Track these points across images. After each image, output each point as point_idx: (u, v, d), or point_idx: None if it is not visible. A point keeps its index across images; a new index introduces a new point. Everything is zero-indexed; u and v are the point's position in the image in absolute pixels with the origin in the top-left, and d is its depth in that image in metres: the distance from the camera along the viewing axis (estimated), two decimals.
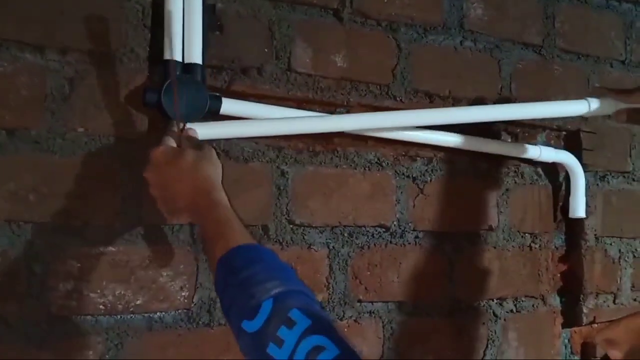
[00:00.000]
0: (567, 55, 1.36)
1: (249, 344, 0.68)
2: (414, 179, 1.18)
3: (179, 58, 0.98)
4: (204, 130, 0.97)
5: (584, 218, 1.32)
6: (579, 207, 1.30)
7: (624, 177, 1.41)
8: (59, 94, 0.92)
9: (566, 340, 1.34)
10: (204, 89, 0.98)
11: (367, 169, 1.13)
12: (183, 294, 0.98)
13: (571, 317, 1.34)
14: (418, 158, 1.18)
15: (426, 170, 1.19)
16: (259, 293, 0.67)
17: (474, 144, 1.19)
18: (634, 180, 1.42)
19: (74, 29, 0.93)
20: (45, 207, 0.90)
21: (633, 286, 1.40)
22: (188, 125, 0.94)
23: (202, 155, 0.85)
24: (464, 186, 1.22)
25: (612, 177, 1.39)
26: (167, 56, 0.97)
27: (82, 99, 0.93)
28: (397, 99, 1.16)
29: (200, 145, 0.89)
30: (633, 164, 1.42)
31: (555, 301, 1.33)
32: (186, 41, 0.99)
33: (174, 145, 0.87)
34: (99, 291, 0.93)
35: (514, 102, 1.28)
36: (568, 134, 1.34)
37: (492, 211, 1.25)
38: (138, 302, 0.95)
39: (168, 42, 0.97)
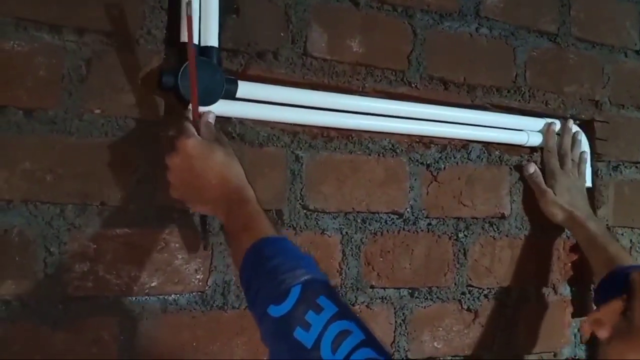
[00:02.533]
0: (581, 44, 1.35)
1: (273, 329, 0.69)
2: (428, 165, 1.17)
3: (195, 41, 0.98)
4: (222, 107, 0.98)
5: (597, 207, 1.33)
6: (586, 177, 1.32)
7: (636, 167, 1.40)
8: (76, 75, 0.91)
9: (576, 330, 1.34)
10: (221, 72, 0.98)
11: (381, 155, 1.13)
12: (198, 276, 0.98)
13: (581, 306, 1.33)
14: (432, 145, 1.18)
15: (440, 157, 1.19)
16: (288, 279, 0.70)
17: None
18: None
19: (91, 10, 0.92)
20: (62, 187, 0.90)
21: None
22: (205, 108, 0.94)
23: (230, 152, 0.88)
24: (478, 173, 1.22)
25: (625, 167, 1.39)
26: (183, 38, 0.97)
27: (99, 80, 0.93)
28: (413, 85, 1.16)
29: (216, 134, 0.91)
30: None
31: (565, 290, 1.33)
32: (202, 24, 0.99)
33: (194, 132, 0.87)
34: (114, 272, 0.93)
35: (528, 91, 1.27)
36: (581, 124, 1.34)
37: (505, 199, 1.25)
38: (153, 284, 0.95)
39: (185, 25, 0.97)
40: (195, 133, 0.88)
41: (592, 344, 1.33)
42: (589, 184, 1.31)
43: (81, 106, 0.92)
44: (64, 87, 0.91)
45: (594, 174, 1.33)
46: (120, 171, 0.94)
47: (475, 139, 1.21)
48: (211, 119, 0.93)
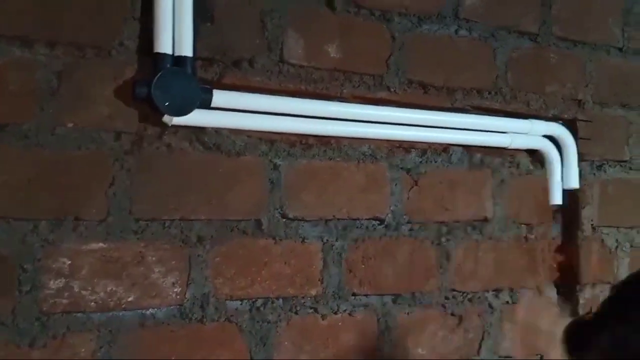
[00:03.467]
0: (563, 42, 1.34)
1: None
2: (409, 170, 1.17)
3: (169, 50, 0.97)
4: (197, 116, 0.97)
5: (581, 208, 1.32)
6: (571, 178, 1.31)
7: (621, 166, 1.40)
8: (48, 88, 0.90)
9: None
10: (195, 82, 0.97)
11: (361, 161, 1.12)
12: (175, 289, 0.97)
13: (568, 308, 1.33)
14: (412, 149, 1.17)
15: (421, 161, 1.18)
16: None
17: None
18: (631, 169, 1.41)
19: (62, 22, 0.91)
20: (36, 203, 0.89)
21: None
22: (181, 119, 0.93)
23: None
24: (459, 177, 1.21)
25: (609, 166, 1.38)
26: (157, 49, 0.96)
27: (71, 93, 0.92)
28: (391, 89, 1.15)
29: None
30: (630, 152, 1.41)
31: (552, 292, 1.32)
32: (176, 33, 0.98)
33: None
34: (90, 288, 0.92)
35: (509, 92, 1.26)
36: (564, 123, 1.33)
37: (487, 202, 1.24)
38: (130, 298, 0.94)
39: (157, 35, 0.96)
40: None
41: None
42: (575, 185, 1.30)
43: (54, 120, 0.91)
44: (35, 101, 0.90)
45: (579, 174, 1.32)
46: (95, 185, 0.93)
47: (456, 142, 1.21)
48: None
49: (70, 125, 0.91)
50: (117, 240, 0.94)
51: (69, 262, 0.91)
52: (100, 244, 0.93)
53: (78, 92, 0.92)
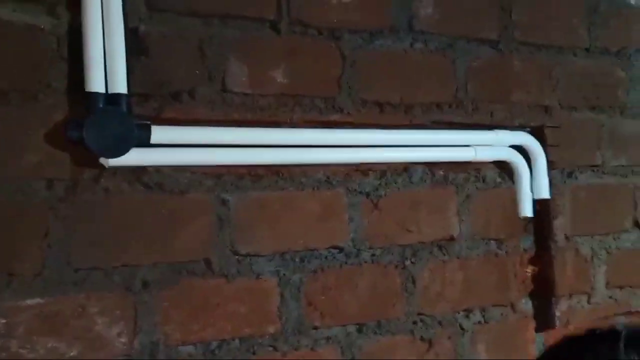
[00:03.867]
0: (526, 47, 1.29)
1: None
2: (367, 194, 1.12)
3: (101, 89, 0.92)
4: (135, 156, 0.92)
5: (553, 218, 1.28)
6: (541, 188, 1.27)
7: (593, 171, 1.35)
8: None
9: (541, 345, 1.29)
10: (130, 120, 0.93)
11: (315, 188, 1.08)
12: (122, 340, 0.93)
13: (544, 320, 1.29)
14: (370, 172, 1.13)
15: (380, 184, 1.13)
16: None
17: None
18: (604, 173, 1.37)
19: None
20: None
21: (608, 283, 1.35)
22: (117, 160, 0.89)
23: None
24: (422, 196, 1.17)
25: (581, 172, 1.34)
26: (88, 88, 0.91)
27: None
28: (345, 111, 1.10)
29: None
30: (603, 156, 1.36)
31: (527, 306, 1.28)
32: (109, 70, 0.93)
33: None
34: (29, 346, 0.87)
35: (471, 103, 1.21)
36: (531, 131, 1.28)
37: (453, 220, 1.19)
38: (73, 353, 0.90)
39: (88, 73, 0.91)
40: None
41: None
42: (545, 195, 1.26)
43: None
44: None
45: (549, 183, 1.27)
46: (28, 237, 0.88)
47: (416, 160, 1.16)
48: None
49: None
50: (55, 293, 0.89)
51: (4, 320, 0.86)
52: (37, 299, 0.88)
53: (4, 141, 0.87)
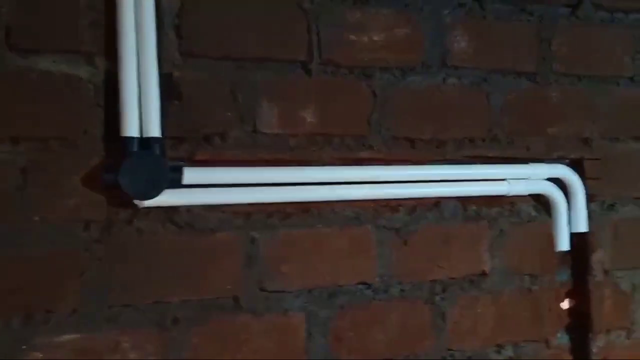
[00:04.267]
0: (566, 79, 1.27)
1: None
2: (397, 230, 1.13)
3: (136, 133, 0.96)
4: (167, 197, 0.96)
5: (591, 252, 1.27)
6: (579, 221, 1.25)
7: (635, 204, 1.32)
8: (12, 185, 0.91)
9: None
10: (163, 163, 0.96)
11: (344, 225, 1.09)
12: None
13: (581, 355, 1.27)
14: (400, 207, 1.14)
15: (410, 220, 1.14)
16: None
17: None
18: None
19: (24, 118, 0.92)
20: (4, 301, 0.90)
21: None
22: (150, 201, 0.93)
23: None
24: (453, 232, 1.17)
25: (622, 205, 1.31)
26: (123, 133, 0.96)
27: (36, 187, 0.92)
28: (375, 148, 1.11)
29: None
30: None
31: (562, 340, 1.26)
32: (143, 115, 0.97)
33: None
34: None
35: (506, 137, 1.20)
36: (570, 164, 1.26)
37: (484, 255, 1.19)
38: None
39: (123, 119, 0.96)
40: None
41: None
42: (583, 229, 1.24)
43: (20, 216, 0.91)
44: (1, 201, 0.90)
45: (588, 216, 1.25)
46: (65, 277, 0.93)
47: (448, 195, 1.16)
48: None
49: (36, 219, 0.92)
50: (90, 329, 0.94)
51: (42, 355, 0.91)
52: (73, 335, 0.93)
53: (44, 186, 0.92)
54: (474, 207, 1.19)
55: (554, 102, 1.25)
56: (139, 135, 0.96)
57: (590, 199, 1.26)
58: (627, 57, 1.33)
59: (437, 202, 1.16)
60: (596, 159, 1.28)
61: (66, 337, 0.93)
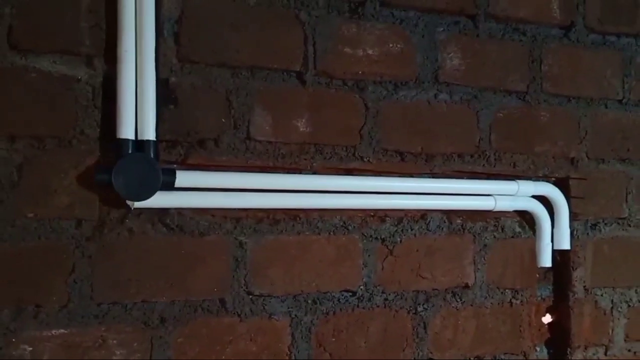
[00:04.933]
0: (555, 99, 1.30)
1: None
2: (383, 240, 1.15)
3: (131, 135, 0.98)
4: (159, 199, 0.98)
5: (573, 269, 1.29)
6: (562, 238, 1.28)
7: (618, 223, 1.35)
8: (8, 182, 0.93)
9: None
10: (156, 166, 0.98)
11: (331, 233, 1.12)
12: None
13: None
14: (387, 218, 1.16)
15: (396, 230, 1.16)
16: None
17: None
18: (629, 226, 1.36)
19: (21, 116, 0.94)
20: None
21: (627, 337, 1.34)
22: (142, 203, 0.96)
23: None
24: (438, 244, 1.19)
25: (605, 224, 1.33)
26: (119, 135, 0.98)
27: (31, 184, 0.94)
28: (365, 159, 1.14)
29: None
30: (629, 209, 1.36)
31: (541, 354, 1.29)
32: (139, 118, 0.99)
33: None
34: None
35: (493, 154, 1.23)
36: (556, 182, 1.29)
37: (468, 268, 1.22)
38: None
39: (119, 121, 0.98)
40: None
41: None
42: (566, 246, 1.27)
43: (14, 212, 0.93)
44: None
45: (571, 234, 1.28)
46: (55, 273, 0.95)
47: (434, 208, 1.19)
48: None
49: (30, 215, 0.94)
50: (78, 325, 0.96)
51: (30, 348, 0.94)
52: (61, 330, 0.96)
53: (38, 183, 0.94)
54: (459, 221, 1.21)
55: (542, 121, 1.28)
56: (134, 138, 0.98)
57: (574, 217, 1.29)
58: (616, 80, 1.35)
59: (423, 215, 1.18)
60: (582, 179, 1.30)
61: (54, 332, 0.95)
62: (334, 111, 1.12)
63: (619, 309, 1.34)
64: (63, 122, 0.96)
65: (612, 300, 1.34)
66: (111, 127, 0.98)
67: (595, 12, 1.33)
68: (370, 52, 1.14)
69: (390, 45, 1.16)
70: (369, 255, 1.14)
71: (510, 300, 1.25)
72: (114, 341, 0.98)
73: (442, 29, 1.20)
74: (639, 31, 1.37)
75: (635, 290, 1.36)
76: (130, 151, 0.98)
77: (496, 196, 1.22)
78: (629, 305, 1.35)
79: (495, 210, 1.22)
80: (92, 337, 0.97)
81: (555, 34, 1.30)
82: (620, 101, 1.36)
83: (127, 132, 0.98)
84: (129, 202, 0.98)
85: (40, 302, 0.95)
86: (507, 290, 1.25)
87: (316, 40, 1.11)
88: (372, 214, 1.15)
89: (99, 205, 0.98)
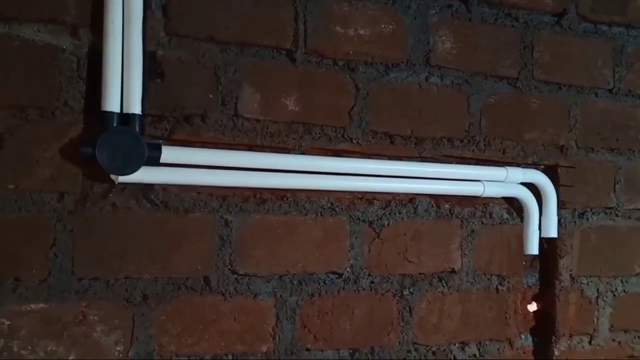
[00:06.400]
0: (546, 86, 1.29)
1: None
2: (370, 223, 1.14)
3: (116, 108, 0.96)
4: (144, 174, 0.97)
5: (559, 257, 1.29)
6: (550, 226, 1.27)
7: (605, 213, 1.34)
8: None
9: None
10: (142, 140, 0.96)
11: (319, 214, 1.10)
12: (118, 348, 0.98)
13: (543, 357, 1.29)
14: (375, 201, 1.15)
15: (384, 213, 1.15)
16: None
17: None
18: (617, 215, 1.36)
19: (2, 85, 0.91)
20: None
21: (612, 326, 1.34)
22: (127, 177, 0.94)
23: None
24: (425, 228, 1.18)
25: (593, 213, 1.33)
26: (104, 107, 0.96)
27: (11, 155, 0.92)
28: (354, 141, 1.12)
29: None
30: (617, 199, 1.36)
31: (526, 342, 1.29)
32: (125, 91, 0.97)
33: None
34: (30, 348, 0.93)
35: (483, 139, 1.22)
36: (545, 170, 1.28)
37: (455, 253, 1.21)
38: (71, 357, 0.95)
39: (105, 93, 0.96)
40: None
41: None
42: (553, 234, 1.26)
43: None
44: None
45: (558, 222, 1.27)
46: (35, 246, 0.93)
47: (422, 192, 1.18)
48: None
49: (11, 187, 0.92)
50: (58, 300, 0.94)
51: (8, 322, 0.92)
52: (41, 304, 0.94)
53: (19, 154, 0.92)
54: (448, 206, 1.20)
55: (532, 108, 1.27)
56: (119, 111, 0.97)
57: (561, 205, 1.28)
58: (607, 69, 1.35)
59: (411, 199, 1.18)
60: (570, 167, 1.30)
61: (33, 306, 0.93)
62: (324, 91, 1.11)
63: (605, 298, 1.34)
64: (46, 92, 0.94)
65: (597, 290, 1.33)
66: (96, 100, 0.96)
67: (588, 0, 1.32)
68: (361, 32, 1.13)
69: (382, 26, 1.15)
70: (355, 238, 1.13)
71: (497, 286, 1.24)
72: (95, 317, 0.97)
73: (434, 11, 1.19)
74: (631, 21, 1.36)
75: (621, 279, 1.36)
76: (115, 124, 0.96)
77: (485, 182, 1.22)
78: (614, 295, 1.35)
79: (483, 196, 1.22)
80: (72, 312, 0.95)
81: (547, 21, 1.29)
82: (610, 90, 1.36)
83: (112, 104, 0.96)
84: (112, 177, 0.96)
85: (20, 276, 0.92)
86: (493, 277, 1.24)
87: (307, 18, 1.09)
88: (360, 196, 1.14)
89: (82, 179, 0.96)
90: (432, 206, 1.19)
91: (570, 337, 1.30)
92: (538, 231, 1.26)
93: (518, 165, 1.26)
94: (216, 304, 1.04)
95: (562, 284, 1.29)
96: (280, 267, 1.08)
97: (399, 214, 1.17)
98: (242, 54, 1.05)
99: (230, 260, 1.05)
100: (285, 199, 1.08)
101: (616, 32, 1.36)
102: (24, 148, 0.93)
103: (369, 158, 1.14)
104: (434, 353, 1.19)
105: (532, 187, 1.27)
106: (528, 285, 1.29)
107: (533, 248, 1.26)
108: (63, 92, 0.95)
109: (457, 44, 1.21)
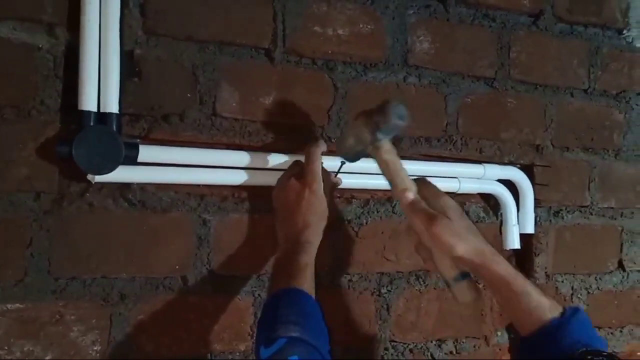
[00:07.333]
0: (522, 86, 1.30)
1: None
2: (349, 221, 1.15)
3: (93, 107, 0.96)
4: (121, 173, 0.96)
5: (535, 255, 1.30)
6: (527, 223, 1.29)
7: (580, 211, 1.36)
8: None
9: None
10: (119, 139, 0.96)
11: None
12: (95, 348, 0.97)
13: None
14: (354, 200, 1.15)
15: (362, 212, 1.16)
16: (280, 330, 0.79)
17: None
18: (591, 214, 1.38)
19: None
20: None
21: None
22: (104, 177, 0.93)
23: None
24: (403, 227, 1.19)
25: (568, 212, 1.35)
26: (80, 106, 0.95)
27: None
28: (333, 140, 1.13)
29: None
30: (591, 197, 1.37)
31: (502, 339, 1.30)
32: (102, 90, 0.97)
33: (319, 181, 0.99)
34: (6, 348, 0.92)
35: (460, 139, 1.23)
36: (521, 168, 1.30)
37: None
38: (47, 358, 0.95)
39: (82, 92, 0.95)
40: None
41: None
42: (530, 230, 1.28)
43: None
44: None
45: (534, 220, 1.29)
46: (12, 246, 0.93)
47: None
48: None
49: None
50: (34, 300, 0.94)
51: None
52: (17, 304, 0.93)
53: None
54: None
55: (509, 107, 1.29)
56: (96, 110, 0.96)
57: (537, 204, 1.30)
58: (582, 70, 1.37)
59: (389, 197, 1.18)
60: (546, 166, 1.31)
61: (9, 306, 0.93)
62: (303, 90, 1.11)
63: (579, 295, 1.36)
64: (22, 91, 0.93)
65: (572, 287, 1.35)
66: (73, 99, 0.95)
67: (564, 1, 1.34)
68: (340, 32, 1.13)
69: (361, 25, 1.15)
70: (334, 237, 1.13)
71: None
72: (72, 317, 0.96)
73: (412, 11, 1.20)
74: (606, 22, 1.38)
75: (595, 277, 1.38)
76: (92, 123, 0.96)
77: (461, 179, 1.23)
78: (588, 292, 1.37)
79: (459, 192, 1.22)
80: (49, 312, 0.95)
81: (524, 21, 1.31)
82: (585, 91, 1.37)
83: (89, 103, 0.96)
84: (89, 176, 0.96)
85: None
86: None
87: (286, 17, 1.09)
88: (338, 195, 1.14)
89: (59, 178, 0.96)
90: None
91: None
92: (517, 225, 1.27)
93: (495, 164, 1.27)
94: (194, 304, 1.04)
95: (538, 281, 1.30)
96: (258, 266, 1.08)
97: (377, 212, 1.17)
98: (220, 53, 1.05)
99: (209, 260, 1.05)
100: (263, 197, 1.08)
101: (592, 33, 1.38)
102: (1, 147, 0.92)
103: None
104: (411, 351, 1.20)
105: (508, 185, 1.28)
106: None
107: (514, 242, 1.27)
108: (39, 91, 0.94)
109: (435, 44, 1.22)
